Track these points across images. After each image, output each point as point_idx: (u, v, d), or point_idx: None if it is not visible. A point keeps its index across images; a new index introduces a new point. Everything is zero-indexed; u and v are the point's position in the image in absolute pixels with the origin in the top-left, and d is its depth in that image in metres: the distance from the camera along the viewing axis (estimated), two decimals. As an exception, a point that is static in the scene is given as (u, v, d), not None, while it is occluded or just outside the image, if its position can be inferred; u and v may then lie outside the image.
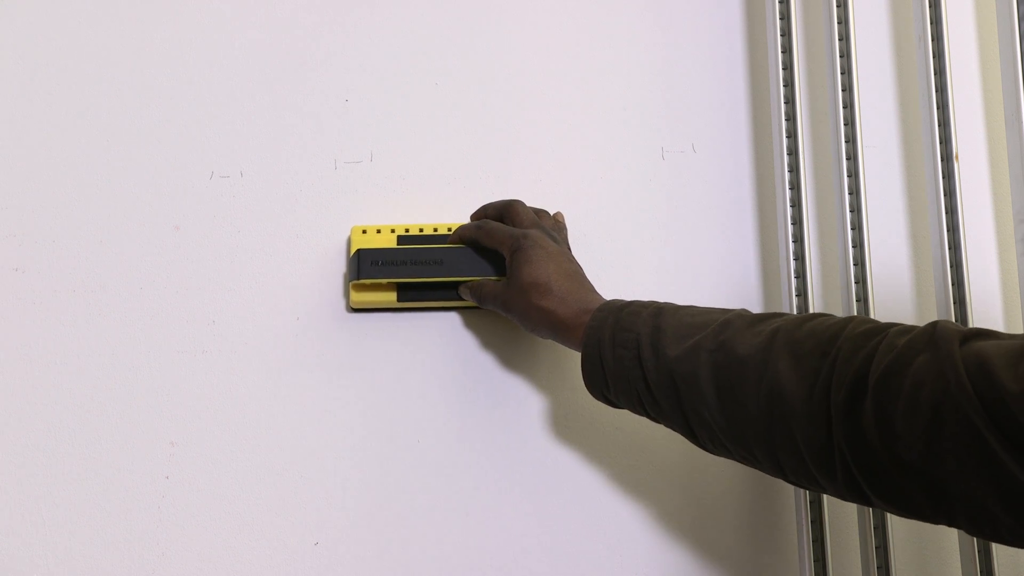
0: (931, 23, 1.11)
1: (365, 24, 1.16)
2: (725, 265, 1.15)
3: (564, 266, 1.01)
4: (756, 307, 1.15)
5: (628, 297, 1.02)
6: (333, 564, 1.04)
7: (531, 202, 1.14)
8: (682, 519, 1.10)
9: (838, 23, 1.13)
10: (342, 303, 1.09)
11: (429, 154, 1.14)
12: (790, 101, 1.14)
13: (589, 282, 1.03)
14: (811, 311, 1.09)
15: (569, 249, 1.08)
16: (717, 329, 0.93)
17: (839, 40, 1.12)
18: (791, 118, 1.13)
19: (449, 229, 1.08)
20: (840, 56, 1.12)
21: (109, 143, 1.10)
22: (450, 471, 1.07)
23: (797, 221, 1.11)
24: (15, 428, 1.03)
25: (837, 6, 1.13)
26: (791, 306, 1.10)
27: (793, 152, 1.13)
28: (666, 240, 1.15)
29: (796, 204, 1.12)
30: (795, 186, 1.12)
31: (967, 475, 0.80)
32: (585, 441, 1.10)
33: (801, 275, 1.10)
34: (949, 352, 0.82)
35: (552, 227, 1.07)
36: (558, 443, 1.09)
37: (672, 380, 0.93)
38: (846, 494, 0.89)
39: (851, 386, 0.85)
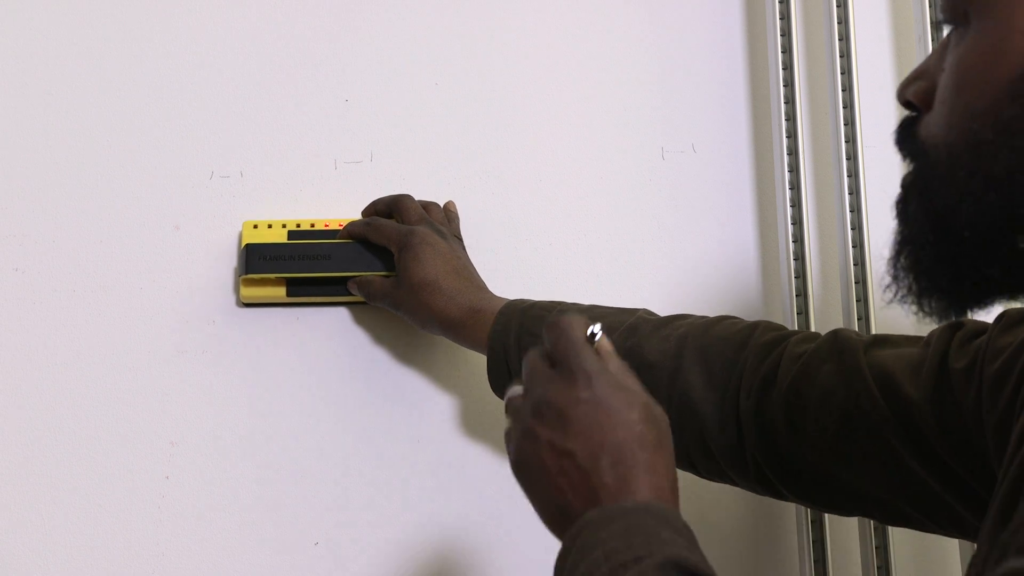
0: (931, 23, 1.11)
1: (365, 24, 1.15)
2: (725, 265, 1.15)
3: (452, 263, 1.01)
4: (757, 307, 1.15)
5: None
6: (333, 564, 1.04)
7: (531, 201, 1.14)
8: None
9: (838, 23, 1.13)
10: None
11: (429, 154, 1.14)
12: (790, 101, 1.14)
13: (479, 277, 1.03)
14: (811, 311, 1.10)
15: (460, 240, 1.08)
16: (624, 334, 0.94)
17: (839, 40, 1.12)
18: (791, 118, 1.13)
19: (340, 225, 1.08)
20: (840, 56, 1.12)
21: (109, 143, 1.10)
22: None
23: (797, 221, 1.11)
24: (15, 428, 1.03)
25: (837, 6, 1.13)
26: (791, 306, 1.10)
27: (793, 152, 1.13)
28: (666, 240, 1.15)
29: (796, 204, 1.12)
30: (795, 186, 1.12)
31: (878, 480, 0.83)
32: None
33: (801, 275, 1.10)
34: (855, 362, 0.84)
35: (441, 221, 1.07)
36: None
37: None
38: (759, 490, 0.92)
39: (759, 394, 0.88)
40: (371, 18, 1.16)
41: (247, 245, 1.05)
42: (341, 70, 1.14)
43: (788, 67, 1.14)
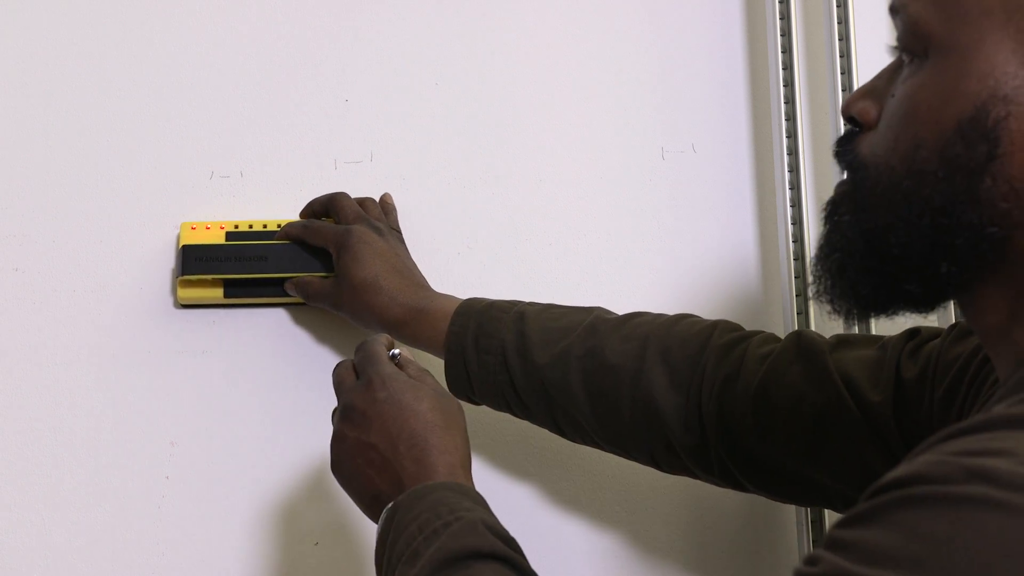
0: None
1: (365, 24, 1.16)
2: (725, 265, 1.16)
3: (392, 261, 1.02)
4: (757, 307, 1.15)
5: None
6: (333, 564, 1.04)
7: (531, 201, 1.14)
8: (680, 519, 1.10)
9: (838, 23, 1.13)
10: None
11: (429, 154, 1.14)
12: (790, 101, 1.14)
13: (419, 274, 1.04)
14: (811, 311, 1.10)
15: (399, 233, 1.08)
16: (584, 334, 0.95)
17: (839, 40, 1.12)
18: (791, 118, 1.13)
19: (279, 226, 1.07)
20: (840, 56, 1.12)
21: (109, 143, 1.10)
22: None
23: (797, 221, 1.12)
24: (15, 428, 1.03)
25: (837, 6, 1.13)
26: (791, 306, 1.10)
27: (793, 152, 1.13)
28: (666, 240, 1.15)
29: (796, 204, 1.12)
30: (795, 186, 1.12)
31: (845, 478, 0.87)
32: None
33: (801, 275, 1.10)
34: (823, 365, 0.88)
35: (378, 217, 1.07)
36: None
37: (542, 386, 0.95)
38: (720, 483, 0.95)
39: (719, 396, 0.91)
40: (371, 18, 1.16)
41: (183, 246, 1.05)
42: (341, 70, 1.14)
43: (788, 67, 1.14)
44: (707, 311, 1.06)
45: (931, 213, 0.64)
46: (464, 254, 1.12)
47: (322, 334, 1.09)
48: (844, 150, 0.70)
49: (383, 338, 0.87)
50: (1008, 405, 0.58)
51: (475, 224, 1.13)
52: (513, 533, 0.75)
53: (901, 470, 0.54)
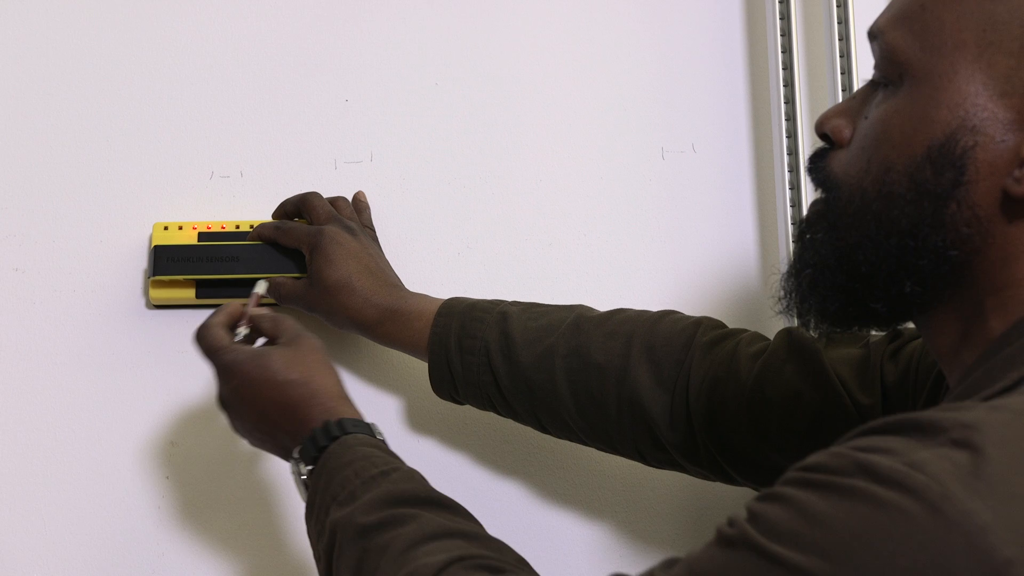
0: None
1: (365, 24, 1.16)
2: (725, 265, 1.16)
3: (364, 261, 1.01)
4: (757, 307, 1.15)
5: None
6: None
7: (531, 201, 1.14)
8: (680, 517, 1.10)
9: (838, 23, 1.13)
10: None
11: (429, 154, 1.14)
12: (790, 101, 1.14)
13: (393, 273, 1.04)
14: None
15: (372, 231, 1.08)
16: (567, 333, 0.96)
17: (839, 40, 1.12)
18: (791, 118, 1.14)
19: (251, 227, 1.07)
20: (840, 56, 1.12)
21: (109, 143, 1.10)
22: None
23: (797, 221, 1.12)
24: (15, 428, 1.03)
25: (837, 6, 1.13)
26: (791, 306, 1.10)
27: (793, 152, 1.13)
28: (666, 240, 1.15)
29: (796, 204, 1.12)
30: (795, 186, 1.12)
31: None
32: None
33: (801, 275, 1.10)
34: (819, 364, 0.89)
35: (350, 216, 1.06)
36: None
37: (527, 386, 0.96)
38: (710, 477, 0.96)
39: (709, 394, 0.92)
40: (371, 18, 1.16)
41: (155, 247, 1.05)
42: (341, 70, 1.14)
43: (788, 67, 1.14)
44: (707, 311, 1.06)
45: (898, 234, 0.67)
46: (464, 254, 1.12)
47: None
48: (816, 167, 0.73)
49: (220, 318, 0.91)
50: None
51: (475, 224, 1.13)
52: (510, 529, 0.77)
53: (811, 458, 0.60)
